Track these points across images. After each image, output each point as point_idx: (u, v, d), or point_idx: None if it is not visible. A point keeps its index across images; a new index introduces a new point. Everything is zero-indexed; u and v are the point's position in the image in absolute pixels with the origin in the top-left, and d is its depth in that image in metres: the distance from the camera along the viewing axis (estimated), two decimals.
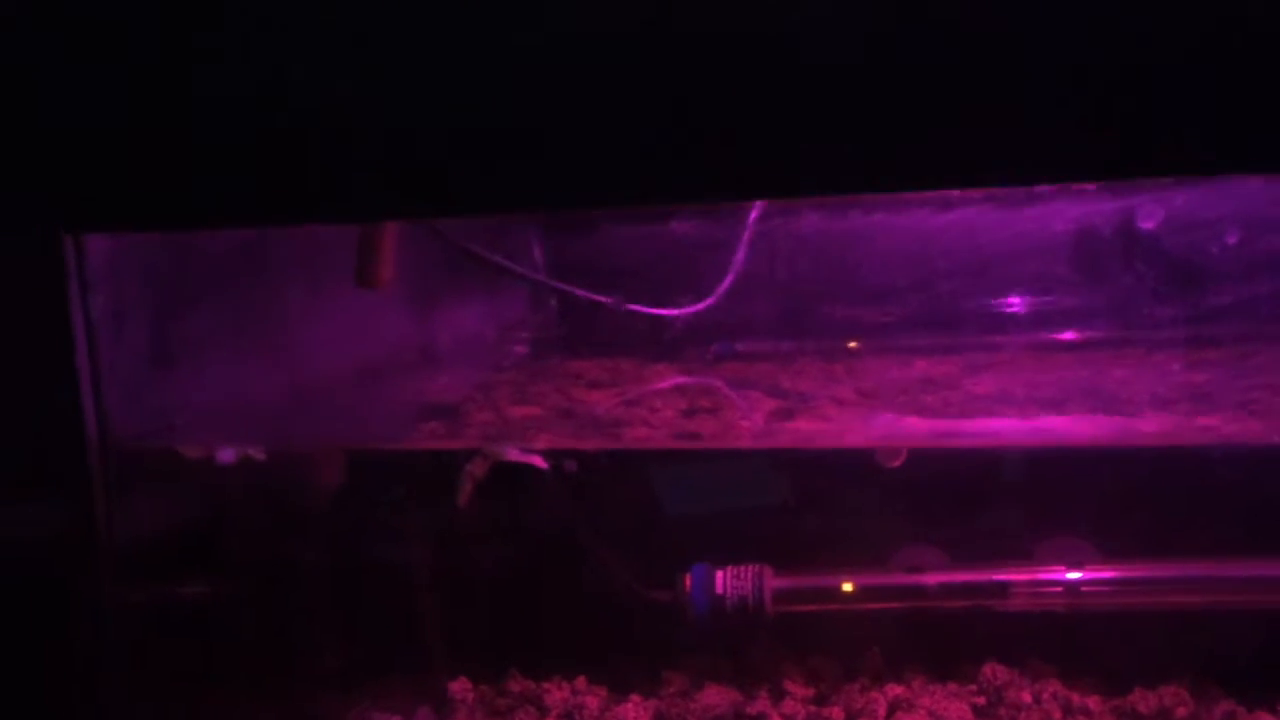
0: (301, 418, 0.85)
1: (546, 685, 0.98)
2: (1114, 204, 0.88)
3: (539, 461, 0.87)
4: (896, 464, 0.82)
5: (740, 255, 0.96)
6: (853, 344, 1.11)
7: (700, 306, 0.98)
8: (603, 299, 1.00)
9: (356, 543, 0.86)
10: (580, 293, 1.01)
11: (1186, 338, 0.90)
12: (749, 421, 0.94)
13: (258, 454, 0.73)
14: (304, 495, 0.81)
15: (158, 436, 0.67)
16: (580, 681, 0.99)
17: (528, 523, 0.95)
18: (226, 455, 0.72)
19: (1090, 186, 0.83)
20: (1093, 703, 0.90)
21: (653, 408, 0.97)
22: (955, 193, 0.88)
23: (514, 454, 0.85)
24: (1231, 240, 0.85)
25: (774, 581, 0.96)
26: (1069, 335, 0.97)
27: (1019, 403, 0.89)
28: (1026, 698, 0.91)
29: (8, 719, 0.63)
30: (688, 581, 0.96)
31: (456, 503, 0.85)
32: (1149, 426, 0.79)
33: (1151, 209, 0.85)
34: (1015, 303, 0.97)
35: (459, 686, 0.98)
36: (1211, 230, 0.86)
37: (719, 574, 0.96)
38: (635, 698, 0.96)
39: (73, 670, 0.62)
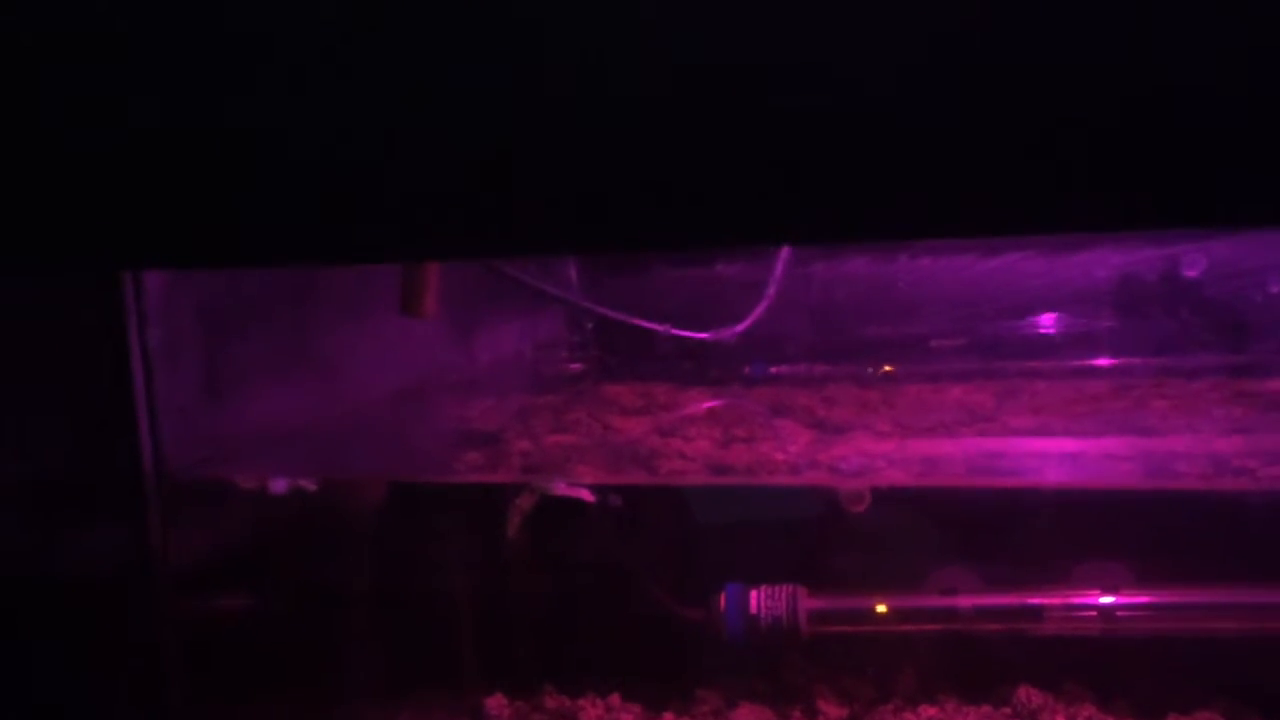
0: (346, 447, 0.88)
1: (581, 702, 1.00)
2: (1158, 252, 0.89)
3: (586, 495, 0.88)
4: (861, 509, 0.83)
5: (772, 292, 0.97)
6: (888, 368, 1.11)
7: (738, 329, 1.00)
8: (651, 325, 1.01)
9: (401, 569, 0.88)
10: (626, 319, 1.03)
11: (1230, 384, 0.90)
12: (784, 455, 0.96)
13: (309, 485, 0.75)
14: (352, 523, 0.83)
15: (209, 466, 0.70)
16: (614, 699, 1.01)
17: (572, 553, 0.96)
18: (279, 485, 0.74)
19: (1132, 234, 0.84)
20: None
21: (687, 436, 0.99)
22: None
23: (562, 488, 0.86)
24: (1276, 289, 0.86)
25: (808, 602, 0.97)
26: (1105, 368, 0.97)
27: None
28: None
29: None
30: (722, 601, 0.98)
31: (505, 535, 0.86)
32: (1187, 469, 0.79)
33: (1195, 257, 0.85)
34: (1053, 334, 0.98)
35: (494, 702, 1.00)
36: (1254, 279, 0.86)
37: (753, 594, 0.97)
38: (669, 716, 0.98)
39: (131, 691, 0.64)
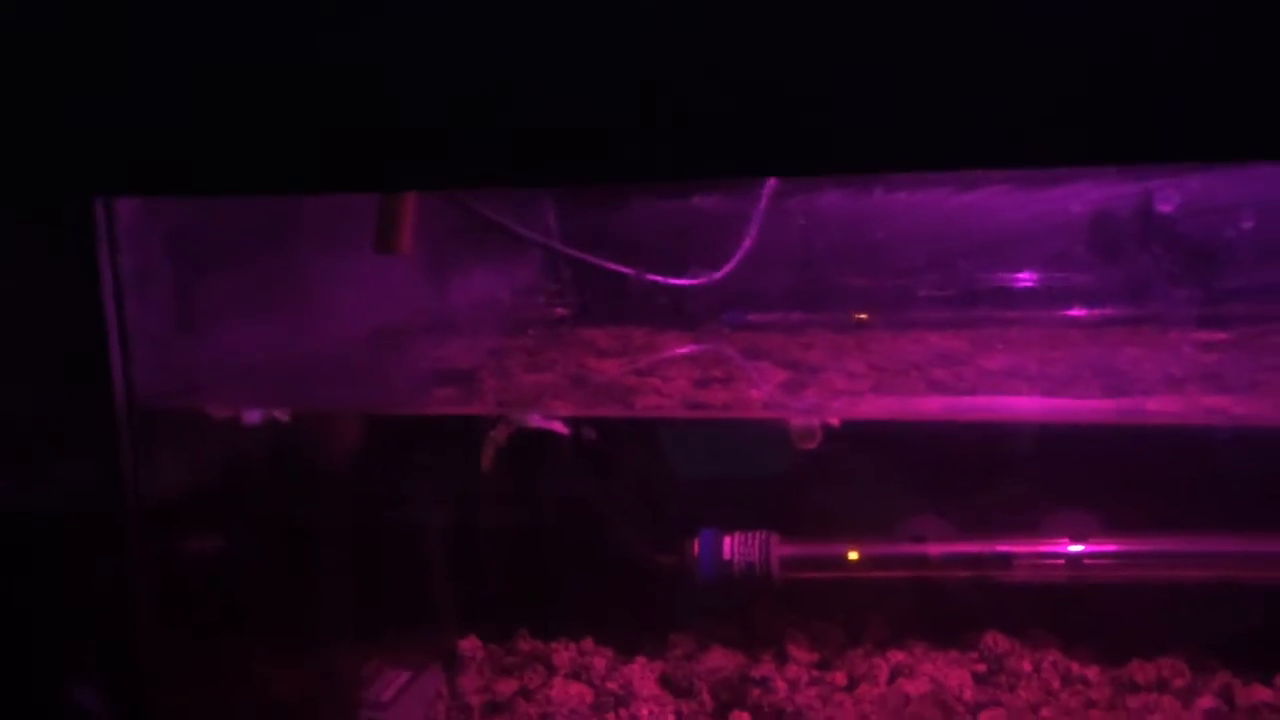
0: (321, 381, 0.87)
1: (554, 646, 1.00)
2: (1133, 188, 0.89)
3: (560, 428, 0.88)
4: (812, 445, 0.83)
5: (754, 228, 0.97)
6: (862, 316, 1.12)
7: (715, 276, 0.99)
8: (624, 269, 1.00)
9: (376, 505, 0.87)
10: (600, 263, 1.02)
11: (1200, 318, 0.91)
12: (759, 392, 0.96)
13: (282, 415, 0.74)
14: (325, 457, 0.82)
15: (183, 396, 0.69)
16: (588, 643, 1.01)
17: (546, 488, 0.96)
18: (252, 416, 0.73)
19: (1109, 170, 0.84)
20: (1091, 673, 0.92)
21: (665, 376, 0.99)
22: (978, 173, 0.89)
23: (536, 420, 0.86)
24: (1247, 225, 0.86)
25: (781, 548, 0.97)
26: (1081, 313, 0.98)
27: (1030, 379, 0.90)
28: (1026, 666, 0.93)
29: (42, 669, 0.65)
30: (695, 546, 0.98)
31: (480, 467, 0.86)
32: (1157, 405, 0.80)
33: (1169, 193, 0.86)
34: (1028, 279, 0.98)
35: (469, 645, 1.00)
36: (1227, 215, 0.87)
37: (727, 539, 0.98)
38: (641, 659, 0.99)
39: (101, 624, 0.64)
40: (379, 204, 0.78)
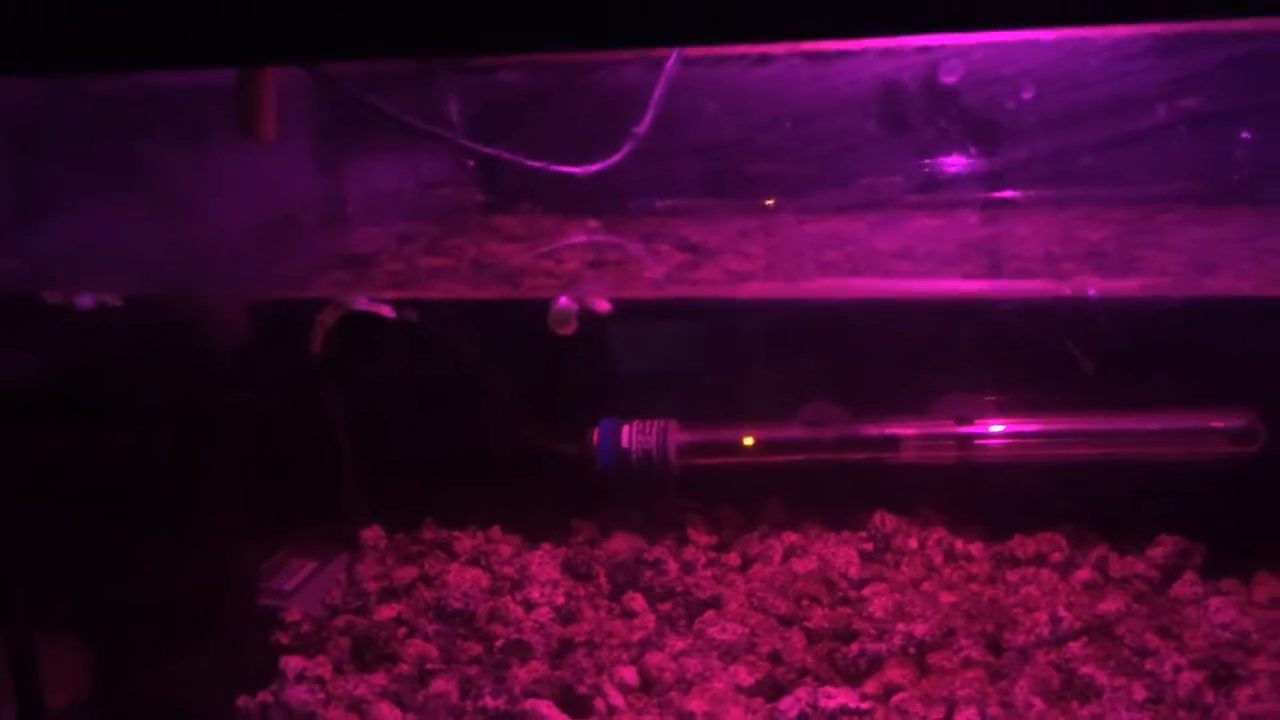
0: (194, 268, 0.86)
1: (458, 534, 1.02)
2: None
3: (386, 311, 0.88)
4: (569, 330, 0.83)
5: (650, 113, 0.95)
6: (769, 201, 1.11)
7: (608, 163, 0.98)
8: (514, 157, 0.99)
9: (228, 393, 0.87)
10: (492, 151, 1.00)
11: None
12: (651, 273, 0.95)
13: (113, 300, 0.73)
14: (168, 342, 0.82)
15: (17, 283, 0.68)
16: (494, 531, 1.03)
17: (387, 375, 0.97)
18: (85, 301, 0.72)
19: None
20: (975, 549, 0.94)
21: (559, 260, 0.98)
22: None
23: (362, 303, 0.86)
24: (1027, 96, 0.86)
25: (678, 436, 0.98)
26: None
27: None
28: (913, 544, 0.95)
29: None
30: (595, 436, 0.99)
31: (309, 349, 0.86)
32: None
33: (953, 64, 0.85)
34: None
35: (371, 534, 1.02)
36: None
37: (625, 429, 0.99)
38: (546, 545, 1.00)
39: None
40: (235, 88, 0.76)
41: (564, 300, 0.82)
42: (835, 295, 0.87)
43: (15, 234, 0.68)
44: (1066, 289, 0.79)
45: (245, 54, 0.61)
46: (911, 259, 0.92)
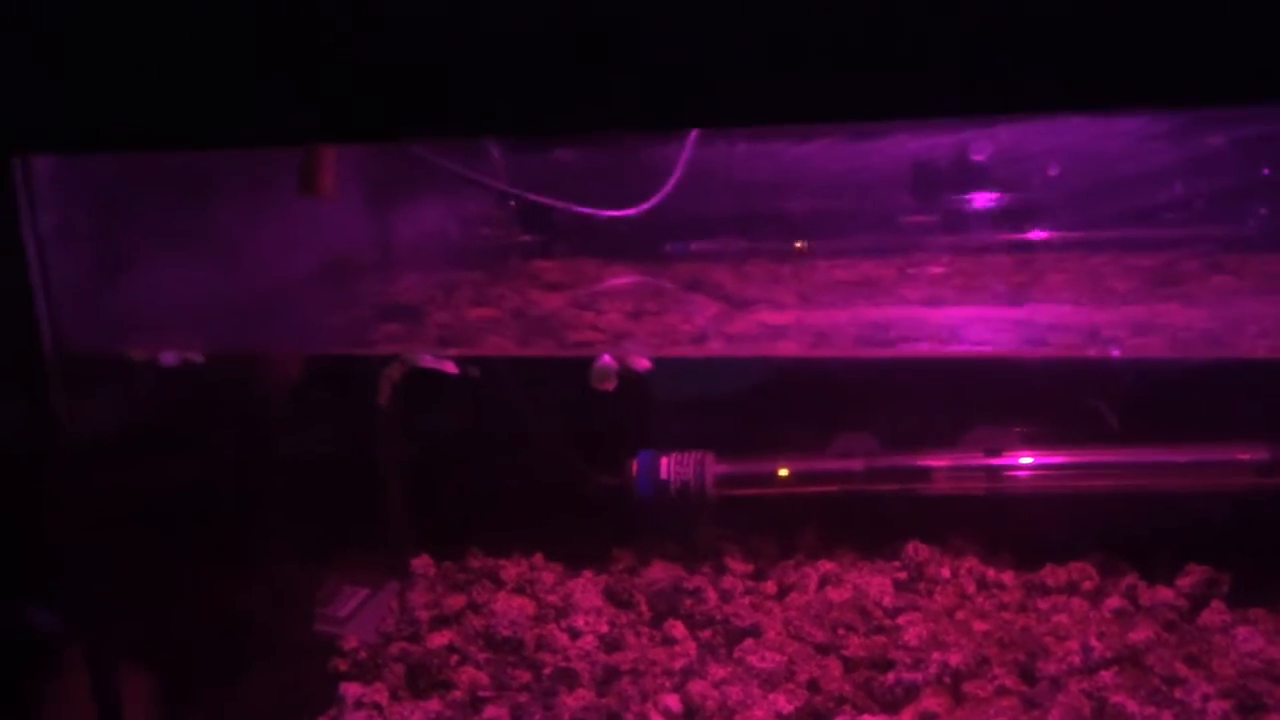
0: (256, 321, 0.90)
1: (504, 562, 1.06)
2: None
3: (450, 367, 0.92)
4: (609, 387, 0.87)
5: (680, 165, 0.99)
6: (800, 244, 1.14)
7: (644, 207, 1.01)
8: (553, 202, 1.03)
9: (295, 439, 0.92)
10: (540, 199, 1.04)
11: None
12: (690, 325, 0.99)
13: (196, 357, 0.78)
14: (246, 395, 0.86)
15: (107, 341, 0.73)
16: (537, 559, 1.07)
17: (441, 421, 1.01)
18: (169, 359, 0.77)
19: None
20: (1007, 577, 0.97)
21: (600, 310, 1.02)
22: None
23: (427, 361, 0.90)
24: (1053, 172, 0.90)
25: (715, 467, 1.02)
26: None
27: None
28: (945, 573, 0.97)
29: None
30: (634, 467, 1.03)
31: (377, 402, 0.91)
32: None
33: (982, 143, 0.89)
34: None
35: (420, 563, 1.06)
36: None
37: (664, 460, 1.02)
38: (587, 573, 1.04)
39: (44, 558, 0.69)
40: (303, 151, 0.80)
41: (605, 359, 0.86)
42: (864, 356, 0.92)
43: (94, 295, 0.73)
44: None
45: (315, 134, 0.66)
46: (939, 306, 0.95)
